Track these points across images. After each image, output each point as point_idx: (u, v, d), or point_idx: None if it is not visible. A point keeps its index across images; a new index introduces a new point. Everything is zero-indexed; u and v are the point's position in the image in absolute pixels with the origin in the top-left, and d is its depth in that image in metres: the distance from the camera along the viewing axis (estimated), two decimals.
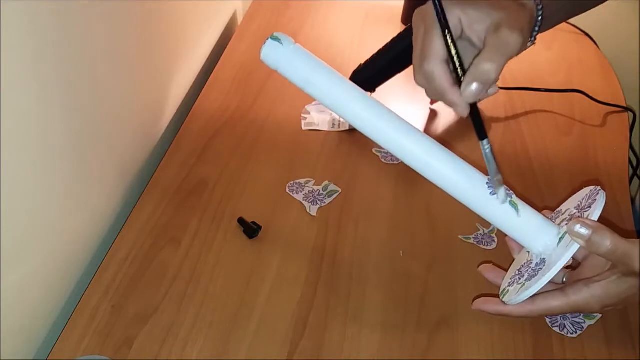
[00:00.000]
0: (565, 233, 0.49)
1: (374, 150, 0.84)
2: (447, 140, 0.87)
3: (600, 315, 0.62)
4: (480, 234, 0.72)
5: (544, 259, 0.51)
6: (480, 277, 0.67)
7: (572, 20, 1.11)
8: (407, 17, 1.12)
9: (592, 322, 0.62)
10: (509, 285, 0.54)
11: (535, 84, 0.94)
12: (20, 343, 0.61)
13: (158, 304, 0.64)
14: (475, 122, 0.49)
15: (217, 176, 0.80)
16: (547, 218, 0.54)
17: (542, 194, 0.78)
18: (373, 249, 0.70)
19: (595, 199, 0.50)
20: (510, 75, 0.98)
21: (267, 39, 0.50)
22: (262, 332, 0.61)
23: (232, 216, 0.74)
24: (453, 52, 0.47)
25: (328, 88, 0.52)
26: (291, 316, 0.63)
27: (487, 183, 0.51)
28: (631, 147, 0.89)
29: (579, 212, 0.51)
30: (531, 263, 0.52)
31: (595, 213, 0.48)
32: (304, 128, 0.88)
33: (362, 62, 0.85)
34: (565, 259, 0.47)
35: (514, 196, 0.51)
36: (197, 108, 0.92)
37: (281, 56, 0.51)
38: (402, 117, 0.53)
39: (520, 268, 0.54)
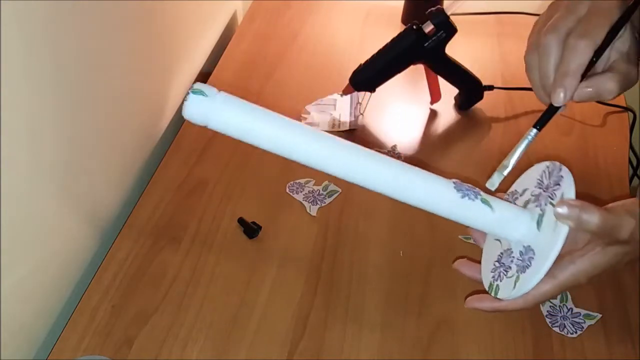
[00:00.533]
0: (541, 215, 0.48)
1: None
2: (447, 140, 0.87)
3: (600, 315, 0.62)
4: None
5: (529, 246, 0.49)
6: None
7: None
8: (407, 17, 1.12)
9: (592, 322, 0.62)
10: (496, 280, 0.52)
11: None
12: (20, 343, 0.61)
13: (158, 304, 0.64)
14: (548, 112, 0.51)
15: (217, 176, 0.80)
16: (510, 202, 0.52)
17: None
18: (373, 249, 0.70)
19: (560, 176, 0.49)
20: (510, 75, 0.98)
21: (188, 93, 0.45)
22: (262, 332, 0.61)
23: (232, 216, 0.74)
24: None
25: (269, 130, 0.49)
26: (291, 316, 0.63)
27: (454, 187, 0.49)
28: (631, 147, 0.89)
29: (545, 191, 0.50)
30: (512, 252, 0.51)
31: (571, 191, 0.47)
32: None
33: (362, 62, 0.85)
34: (560, 245, 0.46)
35: (482, 193, 0.50)
36: None
37: (208, 109, 0.46)
38: (355, 144, 0.51)
39: (500, 259, 0.52)
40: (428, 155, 0.84)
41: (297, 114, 0.91)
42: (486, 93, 0.90)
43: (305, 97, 0.94)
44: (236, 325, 0.62)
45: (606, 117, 0.92)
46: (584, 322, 0.62)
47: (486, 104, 0.91)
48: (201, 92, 0.45)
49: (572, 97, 0.49)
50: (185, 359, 0.59)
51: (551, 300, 0.64)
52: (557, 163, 0.50)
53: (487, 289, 0.53)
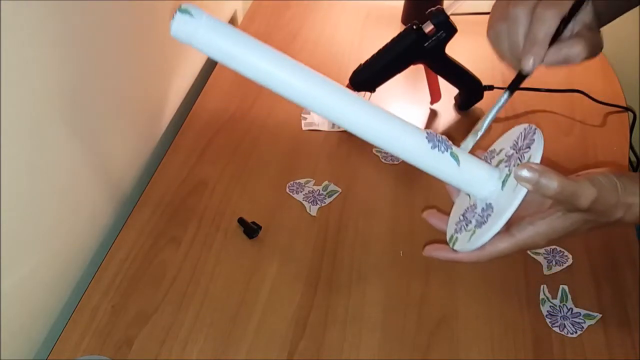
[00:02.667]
0: (507, 176, 0.49)
1: (374, 151, 0.84)
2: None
3: (600, 315, 0.62)
4: None
5: (490, 203, 0.50)
6: (481, 277, 0.67)
7: None
8: (407, 17, 1.12)
9: (592, 322, 0.62)
10: (457, 232, 0.53)
11: (535, 84, 0.94)
12: (20, 343, 0.61)
13: (158, 304, 0.64)
14: (517, 78, 0.54)
15: (217, 176, 0.80)
16: (482, 159, 0.53)
17: None
18: (373, 249, 0.70)
19: (533, 139, 0.49)
20: (510, 75, 0.98)
21: (176, 12, 0.47)
22: (262, 332, 0.61)
23: (232, 216, 0.74)
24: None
25: (250, 56, 0.51)
26: (291, 316, 0.63)
27: (426, 137, 0.50)
28: (631, 147, 0.89)
29: (517, 152, 0.50)
30: (476, 208, 0.52)
31: (537, 155, 0.48)
32: (304, 128, 0.89)
33: (362, 62, 0.85)
34: (515, 205, 0.47)
35: (453, 147, 0.51)
36: (197, 108, 0.93)
37: (193, 29, 0.47)
38: (336, 84, 0.51)
39: (465, 213, 0.53)
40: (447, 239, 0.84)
41: (297, 114, 0.91)
42: (486, 93, 0.90)
43: None
44: (236, 325, 0.62)
45: (606, 117, 0.92)
46: (584, 322, 0.62)
47: (486, 104, 0.91)
48: (188, 12, 0.47)
49: (541, 62, 0.52)
50: (185, 359, 0.59)
51: (551, 300, 0.64)
52: (533, 126, 0.51)
53: (447, 239, 0.54)
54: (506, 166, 0.50)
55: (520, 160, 0.49)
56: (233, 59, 0.50)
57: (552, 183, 0.45)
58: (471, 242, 0.50)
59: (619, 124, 0.91)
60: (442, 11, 0.80)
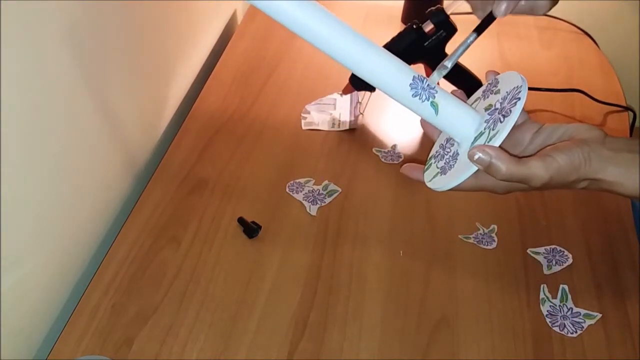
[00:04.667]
0: (481, 133, 0.51)
1: (374, 150, 0.84)
2: None
3: (600, 315, 0.62)
4: (480, 234, 0.72)
5: (458, 154, 0.52)
6: (481, 277, 0.67)
7: (572, 20, 1.11)
8: (407, 17, 1.12)
9: (592, 322, 0.62)
10: (433, 160, 0.56)
11: (536, 83, 0.94)
12: (20, 343, 0.61)
13: (158, 304, 0.64)
14: (486, 20, 0.55)
15: (217, 176, 0.80)
16: (469, 105, 0.54)
17: (542, 194, 0.78)
18: (373, 248, 0.70)
19: (511, 110, 0.51)
20: None
21: None
22: (262, 332, 0.61)
23: (232, 216, 0.74)
24: None
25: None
26: (291, 316, 0.63)
27: (410, 84, 0.51)
28: None
29: (500, 112, 0.52)
30: (452, 146, 0.54)
31: (500, 137, 0.48)
32: (304, 128, 0.88)
33: None
34: (462, 179, 0.49)
35: (437, 96, 0.51)
36: (197, 108, 0.92)
37: None
38: (331, 14, 0.52)
39: (444, 144, 0.56)
40: (428, 154, 0.84)
41: (297, 114, 0.91)
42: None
43: (305, 96, 0.94)
44: (236, 325, 0.62)
45: (606, 116, 0.92)
46: (584, 322, 0.62)
47: None
48: None
49: (513, 9, 0.55)
50: (185, 359, 0.59)
51: (551, 300, 0.64)
52: (522, 89, 0.52)
53: (426, 163, 0.56)
54: (486, 120, 0.52)
55: (494, 124, 0.50)
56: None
57: (502, 168, 0.47)
58: (431, 182, 0.53)
59: (619, 124, 0.91)
60: (442, 11, 0.80)
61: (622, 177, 0.48)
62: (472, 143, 0.51)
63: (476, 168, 0.49)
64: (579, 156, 0.48)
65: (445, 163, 0.53)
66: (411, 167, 0.56)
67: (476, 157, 0.48)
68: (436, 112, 0.51)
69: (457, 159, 0.52)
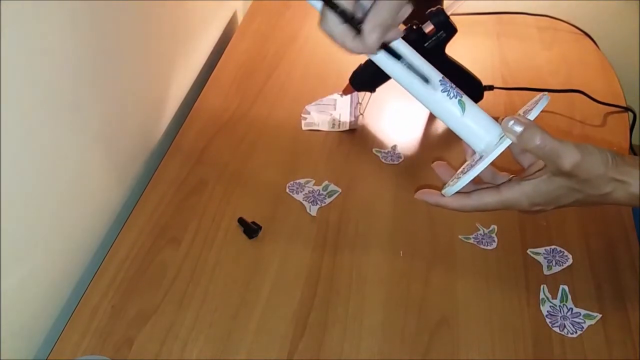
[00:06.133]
0: (504, 136, 0.51)
1: (374, 150, 0.84)
2: (447, 140, 0.87)
3: (600, 315, 0.62)
4: (480, 234, 0.72)
5: (482, 156, 0.52)
6: (481, 278, 0.67)
7: (572, 20, 1.11)
8: (407, 18, 1.12)
9: (592, 322, 0.62)
10: (451, 181, 0.55)
11: (535, 84, 0.94)
12: (20, 343, 0.61)
13: (158, 304, 0.64)
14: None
15: (217, 176, 0.80)
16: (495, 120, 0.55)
17: None
18: (373, 249, 0.70)
19: (539, 102, 0.51)
20: (510, 75, 0.98)
21: None
22: (262, 332, 0.61)
23: (232, 216, 0.74)
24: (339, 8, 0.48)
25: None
26: (291, 316, 0.63)
27: (440, 80, 0.52)
28: (631, 147, 0.89)
29: (523, 113, 0.52)
30: (473, 161, 0.54)
31: (533, 113, 0.50)
32: (304, 128, 0.89)
33: (362, 62, 0.85)
34: (497, 153, 0.49)
35: (464, 97, 0.52)
36: (197, 108, 0.93)
37: None
38: None
39: (465, 167, 0.55)
40: (428, 155, 0.84)
41: (297, 114, 0.91)
42: (486, 93, 0.90)
43: (305, 97, 0.94)
44: (236, 325, 0.62)
45: (606, 117, 0.92)
46: (584, 322, 0.62)
47: (486, 104, 0.91)
48: None
49: (376, 46, 0.50)
50: (185, 359, 0.59)
51: (551, 300, 0.64)
52: (545, 94, 0.52)
53: (442, 187, 0.56)
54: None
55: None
56: None
57: (535, 137, 0.47)
58: (454, 185, 0.52)
59: (619, 124, 0.91)
60: (442, 11, 0.80)
61: None
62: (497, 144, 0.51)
63: (504, 146, 0.48)
64: (606, 153, 0.48)
65: (467, 170, 0.53)
66: (424, 192, 0.56)
67: (511, 122, 0.48)
68: (463, 110, 0.52)
69: (481, 159, 0.51)
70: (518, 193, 0.51)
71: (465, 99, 0.52)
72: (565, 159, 0.47)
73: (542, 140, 0.47)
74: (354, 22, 0.48)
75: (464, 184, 0.51)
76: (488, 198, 0.52)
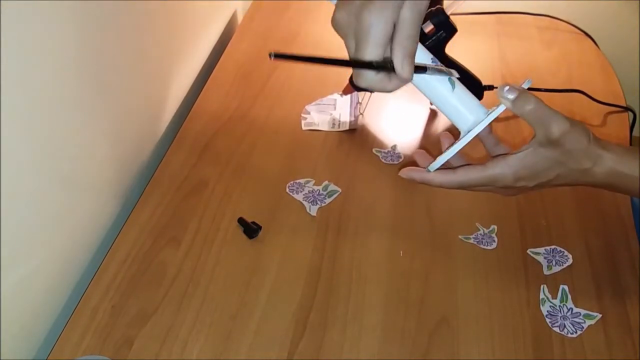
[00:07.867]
0: (493, 110, 0.52)
1: (374, 150, 0.84)
2: None
3: (600, 315, 0.62)
4: (480, 234, 0.72)
5: (468, 131, 0.53)
6: (481, 278, 0.67)
7: (572, 20, 1.11)
8: None
9: (592, 322, 0.62)
10: (437, 159, 0.56)
11: (536, 84, 0.94)
12: (21, 343, 0.61)
13: (158, 304, 0.64)
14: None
15: (217, 176, 0.80)
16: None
17: (542, 194, 0.78)
18: (373, 249, 0.70)
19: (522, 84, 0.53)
20: (510, 75, 0.98)
21: None
22: (262, 332, 0.61)
23: (232, 216, 0.74)
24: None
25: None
26: (291, 316, 0.63)
27: (432, 59, 0.53)
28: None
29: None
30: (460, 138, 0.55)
31: (524, 86, 0.52)
32: (304, 128, 0.88)
33: None
34: (488, 121, 0.51)
35: (455, 78, 0.54)
36: (197, 108, 0.93)
37: None
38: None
39: (449, 146, 0.56)
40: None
41: (297, 114, 0.91)
42: (486, 93, 0.90)
43: (305, 97, 0.94)
44: (236, 325, 0.62)
45: (606, 117, 0.92)
46: (584, 322, 0.62)
47: (486, 104, 0.91)
48: None
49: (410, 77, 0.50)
50: (185, 359, 0.59)
51: (551, 300, 0.64)
52: (530, 79, 0.54)
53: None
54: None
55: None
56: None
57: (529, 102, 0.49)
58: (440, 159, 0.53)
59: (619, 124, 0.91)
60: (442, 11, 0.80)
61: (627, 155, 0.51)
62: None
63: (495, 115, 0.50)
64: (586, 129, 0.51)
65: (445, 149, 0.54)
66: (410, 169, 0.57)
67: (506, 89, 0.50)
68: (453, 87, 0.53)
69: (466, 134, 0.52)
70: (503, 167, 0.52)
71: (456, 80, 0.54)
72: (555, 125, 0.49)
73: (535, 105, 0.49)
74: (387, 65, 0.48)
75: (452, 155, 0.52)
76: (473, 174, 0.53)
